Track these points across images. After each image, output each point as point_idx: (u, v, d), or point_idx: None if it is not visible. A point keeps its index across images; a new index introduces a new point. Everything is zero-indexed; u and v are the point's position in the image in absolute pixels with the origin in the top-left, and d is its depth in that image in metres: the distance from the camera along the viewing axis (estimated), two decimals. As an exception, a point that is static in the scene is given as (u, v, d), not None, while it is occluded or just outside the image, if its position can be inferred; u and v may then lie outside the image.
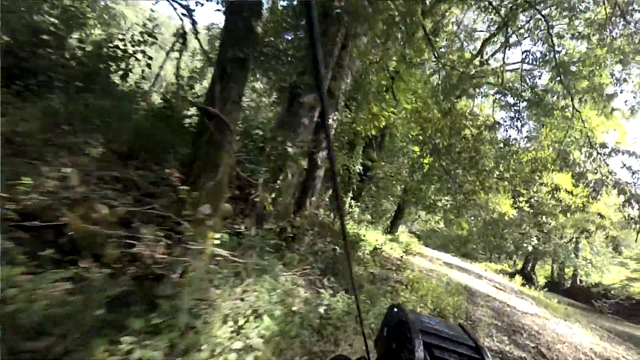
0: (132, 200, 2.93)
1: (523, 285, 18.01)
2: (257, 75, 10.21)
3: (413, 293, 6.19)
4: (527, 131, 16.70)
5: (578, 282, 24.18)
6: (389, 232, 15.45)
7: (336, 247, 5.64)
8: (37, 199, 2.29)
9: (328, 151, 0.75)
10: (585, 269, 23.78)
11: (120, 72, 5.11)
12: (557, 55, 9.05)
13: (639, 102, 12.82)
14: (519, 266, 33.05)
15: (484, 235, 34.15)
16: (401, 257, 8.87)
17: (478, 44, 15.33)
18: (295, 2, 7.93)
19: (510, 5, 8.27)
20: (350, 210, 11.50)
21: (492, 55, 16.08)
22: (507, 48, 10.35)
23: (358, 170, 11.68)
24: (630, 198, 10.71)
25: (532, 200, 18.06)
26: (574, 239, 24.01)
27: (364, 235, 9.06)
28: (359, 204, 13.07)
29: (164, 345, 2.08)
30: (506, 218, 17.84)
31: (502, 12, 8.80)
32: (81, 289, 2.08)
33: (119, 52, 5.02)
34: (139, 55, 5.14)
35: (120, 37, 5.30)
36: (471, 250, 40.43)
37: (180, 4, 4.55)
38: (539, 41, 10.89)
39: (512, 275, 25.76)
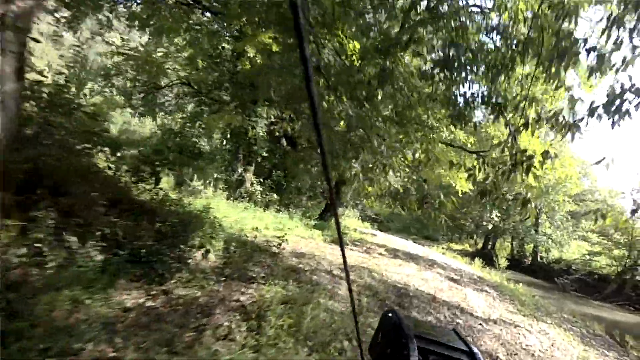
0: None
1: (483, 267, 15.95)
2: None
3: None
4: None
5: (539, 258, 22.83)
6: (322, 219, 12.47)
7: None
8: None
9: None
10: (545, 244, 22.42)
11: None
12: None
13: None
14: (480, 245, 31.98)
15: (434, 216, 32.12)
16: (278, 248, 5.82)
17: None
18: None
19: None
20: (250, 189, 8.32)
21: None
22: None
23: (262, 135, 8.48)
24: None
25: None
26: (538, 212, 22.46)
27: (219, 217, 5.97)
28: (270, 180, 9.95)
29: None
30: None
31: None
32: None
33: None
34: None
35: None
36: (433, 232, 39.22)
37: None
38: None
39: (472, 256, 24.12)
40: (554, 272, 19.32)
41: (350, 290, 0.82)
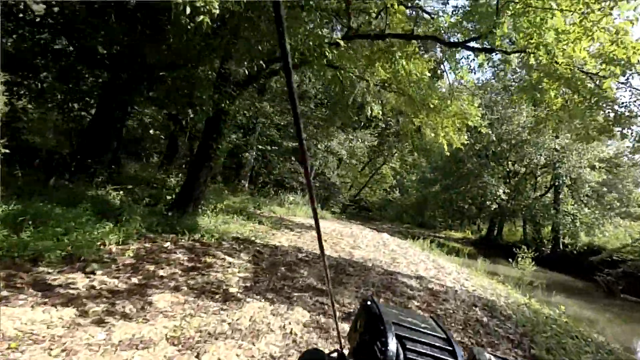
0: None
1: (490, 270, 10.52)
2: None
3: None
4: None
5: (561, 246, 17.36)
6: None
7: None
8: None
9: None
10: (569, 227, 16.95)
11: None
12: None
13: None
14: (484, 232, 26.82)
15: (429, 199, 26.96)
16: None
17: None
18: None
19: None
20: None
21: None
22: None
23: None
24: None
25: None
26: (557, 185, 16.92)
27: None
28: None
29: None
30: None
31: None
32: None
33: None
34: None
35: None
36: (429, 218, 34.15)
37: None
38: None
39: (478, 247, 18.89)
40: (588, 265, 13.82)
41: (328, 283, 0.89)
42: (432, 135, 8.56)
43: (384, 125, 18.83)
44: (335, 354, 0.95)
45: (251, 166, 14.83)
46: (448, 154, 11.63)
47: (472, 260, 11.82)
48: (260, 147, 14.19)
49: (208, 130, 6.88)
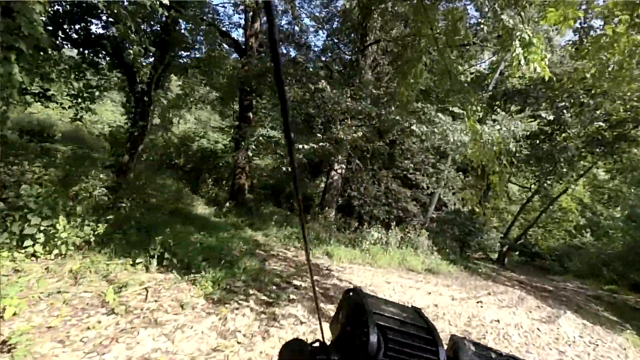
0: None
1: None
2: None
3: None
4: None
5: None
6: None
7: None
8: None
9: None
10: None
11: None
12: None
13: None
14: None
15: None
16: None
17: None
18: None
19: None
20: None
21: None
22: None
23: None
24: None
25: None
26: None
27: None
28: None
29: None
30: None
31: None
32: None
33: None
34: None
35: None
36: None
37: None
38: None
39: None
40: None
41: (310, 271, 0.81)
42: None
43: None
44: (317, 344, 0.89)
45: (339, 188, 11.65)
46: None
47: None
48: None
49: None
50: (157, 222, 6.92)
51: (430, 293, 7.22)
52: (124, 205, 7.06)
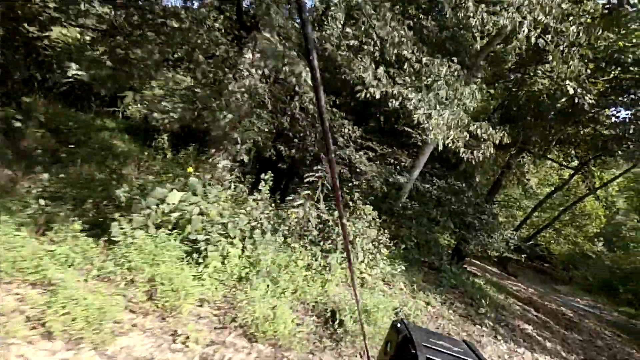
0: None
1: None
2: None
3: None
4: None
5: None
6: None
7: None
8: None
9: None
10: None
11: None
12: None
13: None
14: None
15: None
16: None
17: None
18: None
19: None
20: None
21: None
22: None
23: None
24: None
25: None
26: None
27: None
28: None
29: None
30: None
31: None
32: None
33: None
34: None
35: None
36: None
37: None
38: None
39: None
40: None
41: (357, 301, 1.01)
42: None
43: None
44: None
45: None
46: None
47: None
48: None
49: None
50: None
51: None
52: None
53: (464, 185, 9.14)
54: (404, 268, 5.91)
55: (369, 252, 5.21)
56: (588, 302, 18.05)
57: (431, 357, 0.74)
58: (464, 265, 11.85)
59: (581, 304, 16.99)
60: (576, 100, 7.00)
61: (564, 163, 11.82)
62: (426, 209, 8.02)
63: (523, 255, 19.52)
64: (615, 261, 23.05)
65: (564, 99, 11.29)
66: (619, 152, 10.71)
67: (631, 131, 10.19)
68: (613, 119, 11.58)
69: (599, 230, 25.21)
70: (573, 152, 12.37)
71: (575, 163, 15.22)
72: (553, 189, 18.06)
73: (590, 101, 7.42)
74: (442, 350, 0.78)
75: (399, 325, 0.89)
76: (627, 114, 11.24)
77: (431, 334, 0.86)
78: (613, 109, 11.47)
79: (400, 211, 7.13)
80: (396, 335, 0.86)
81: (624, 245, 24.42)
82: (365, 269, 5.01)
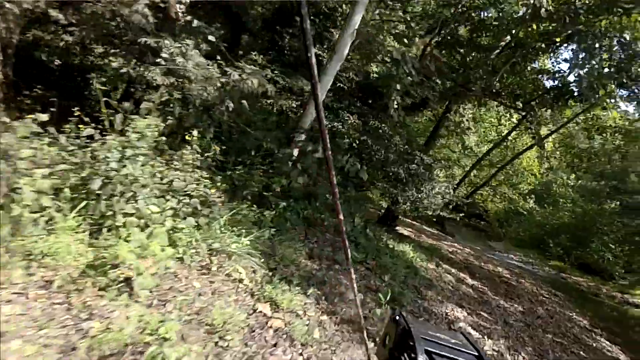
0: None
1: None
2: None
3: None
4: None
5: None
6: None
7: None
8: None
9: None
10: None
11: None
12: None
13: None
14: None
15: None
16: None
17: None
18: None
19: None
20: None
21: None
22: None
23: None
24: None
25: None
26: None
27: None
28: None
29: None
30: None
31: None
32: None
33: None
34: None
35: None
36: (595, 257, 19.41)
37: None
38: None
39: None
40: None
41: (355, 294, 1.04)
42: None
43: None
44: None
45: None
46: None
47: None
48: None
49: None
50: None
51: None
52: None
53: (386, 128, 6.99)
54: (271, 235, 3.65)
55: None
56: (521, 257, 17.92)
57: (429, 348, 0.74)
58: (396, 228, 10.10)
59: (515, 260, 16.72)
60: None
61: (509, 103, 10.23)
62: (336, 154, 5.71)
63: (460, 214, 18.87)
64: (545, 217, 23.56)
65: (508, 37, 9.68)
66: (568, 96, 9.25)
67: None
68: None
69: (532, 187, 25.65)
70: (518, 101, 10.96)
71: (516, 118, 14.14)
72: (492, 145, 17.13)
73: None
74: (439, 342, 0.79)
75: (397, 318, 0.88)
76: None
77: (429, 326, 0.93)
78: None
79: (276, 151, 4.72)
80: (395, 328, 0.87)
81: (553, 201, 25.13)
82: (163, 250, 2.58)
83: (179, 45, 4.01)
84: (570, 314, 7.70)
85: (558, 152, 17.98)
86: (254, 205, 4.10)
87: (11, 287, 2.18)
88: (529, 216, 26.19)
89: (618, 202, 21.12)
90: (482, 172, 20.50)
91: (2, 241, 2.24)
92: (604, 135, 16.32)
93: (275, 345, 2.63)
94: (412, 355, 0.74)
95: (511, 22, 8.89)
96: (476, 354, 0.80)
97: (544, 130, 18.55)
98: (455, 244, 12.68)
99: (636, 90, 10.55)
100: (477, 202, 24.59)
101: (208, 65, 4.25)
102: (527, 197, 29.45)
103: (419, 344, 0.75)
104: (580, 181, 25.80)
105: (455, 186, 16.60)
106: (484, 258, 11.83)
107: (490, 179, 17.91)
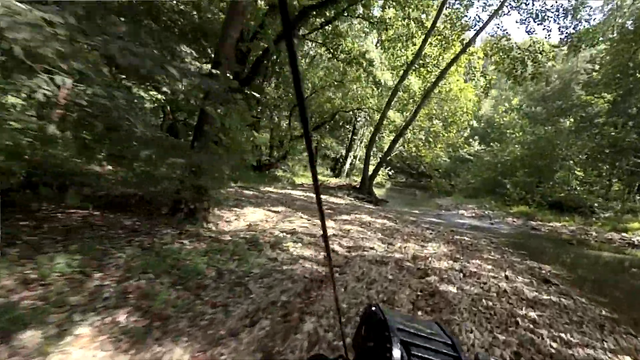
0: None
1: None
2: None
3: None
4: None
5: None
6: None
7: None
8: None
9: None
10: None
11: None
12: None
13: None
14: None
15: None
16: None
17: None
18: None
19: None
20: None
21: None
22: None
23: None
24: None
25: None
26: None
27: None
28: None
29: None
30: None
31: None
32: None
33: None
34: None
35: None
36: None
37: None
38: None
39: None
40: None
41: (333, 281, 0.86)
42: None
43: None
44: None
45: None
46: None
47: None
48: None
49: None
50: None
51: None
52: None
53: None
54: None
55: None
56: (474, 211, 13.56)
57: (405, 339, 0.73)
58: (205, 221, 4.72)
59: (467, 217, 12.31)
60: None
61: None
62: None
63: (389, 169, 13.78)
64: (494, 155, 19.73)
65: None
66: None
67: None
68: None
69: (470, 126, 21.88)
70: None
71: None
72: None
73: None
74: (414, 332, 0.77)
75: (373, 308, 0.86)
76: None
77: (404, 317, 0.86)
78: None
79: None
80: (369, 318, 0.84)
81: (500, 134, 21.46)
82: None
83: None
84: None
85: (495, 58, 13.57)
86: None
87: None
88: (476, 161, 22.50)
89: (572, 119, 17.59)
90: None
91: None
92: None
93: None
94: (388, 345, 0.70)
95: None
96: (450, 342, 0.77)
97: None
98: (379, 219, 7.61)
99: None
100: (411, 156, 20.16)
101: None
102: (470, 140, 25.93)
103: (394, 334, 0.72)
104: (524, 105, 22.44)
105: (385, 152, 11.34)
106: (418, 229, 6.85)
107: (415, 115, 13.12)
